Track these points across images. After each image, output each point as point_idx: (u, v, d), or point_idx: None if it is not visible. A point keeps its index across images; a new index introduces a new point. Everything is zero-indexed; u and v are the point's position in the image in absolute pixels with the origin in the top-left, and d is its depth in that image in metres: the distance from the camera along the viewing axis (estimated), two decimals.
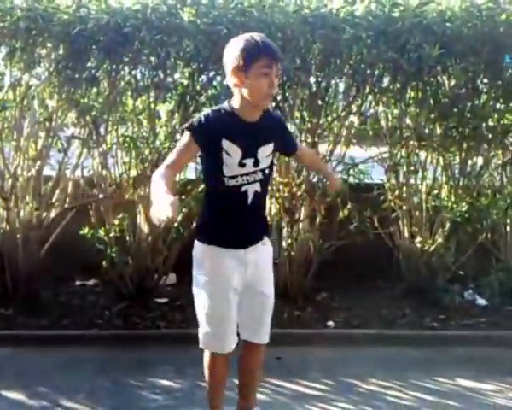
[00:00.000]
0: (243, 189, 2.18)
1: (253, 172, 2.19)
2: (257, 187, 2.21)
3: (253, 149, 2.18)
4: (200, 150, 2.18)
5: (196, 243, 2.28)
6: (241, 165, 2.17)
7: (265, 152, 2.22)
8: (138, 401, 2.79)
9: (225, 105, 2.21)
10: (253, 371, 2.44)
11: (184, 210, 3.70)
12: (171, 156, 2.21)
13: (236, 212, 2.21)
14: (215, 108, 2.26)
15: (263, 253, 2.32)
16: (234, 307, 2.26)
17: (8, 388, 2.83)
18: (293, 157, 2.70)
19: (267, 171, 2.24)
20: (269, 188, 2.50)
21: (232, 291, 2.24)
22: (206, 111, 2.23)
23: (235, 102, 2.18)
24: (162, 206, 1.92)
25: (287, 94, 3.58)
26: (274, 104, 3.56)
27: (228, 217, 2.21)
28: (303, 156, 2.59)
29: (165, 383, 2.95)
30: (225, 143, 2.13)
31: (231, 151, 2.15)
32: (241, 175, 2.17)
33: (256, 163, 2.19)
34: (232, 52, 2.13)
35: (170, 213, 1.89)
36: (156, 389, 2.89)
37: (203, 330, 2.31)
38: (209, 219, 2.28)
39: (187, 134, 2.16)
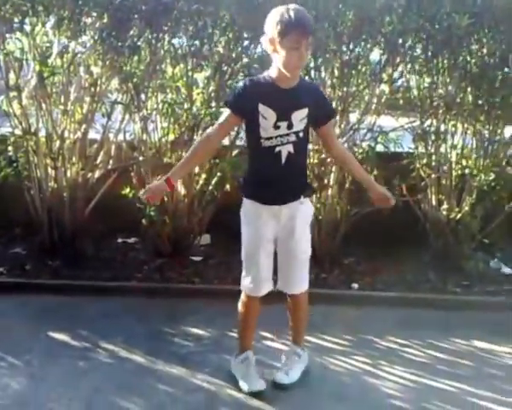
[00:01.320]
0: (277, 149, 2.43)
1: (287, 134, 2.42)
2: (290, 148, 2.43)
3: (287, 113, 2.41)
4: (240, 118, 2.47)
5: (243, 198, 2.58)
6: (276, 127, 2.40)
7: (299, 116, 2.42)
8: (171, 346, 3.04)
9: (264, 73, 2.48)
10: (294, 315, 2.75)
11: (218, 174, 3.89)
12: (215, 126, 2.59)
13: (272, 171, 2.46)
14: (254, 77, 2.54)
15: (298, 210, 2.54)
16: (267, 255, 2.55)
17: (53, 330, 3.12)
18: (320, 136, 2.65)
19: (301, 134, 2.44)
20: (306, 152, 2.59)
21: (265, 240, 2.53)
22: (245, 80, 2.51)
23: (272, 70, 2.43)
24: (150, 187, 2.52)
25: (318, 62, 3.68)
26: (305, 72, 3.68)
27: (264, 175, 2.48)
28: (329, 139, 2.60)
29: (196, 331, 3.18)
30: (261, 108, 2.39)
31: (267, 115, 2.40)
32: (276, 137, 2.42)
33: (290, 126, 2.42)
34: (269, 23, 2.37)
35: (143, 195, 2.49)
36: (188, 337, 3.13)
37: (243, 273, 2.61)
38: (249, 177, 2.59)
39: (226, 109, 2.49)
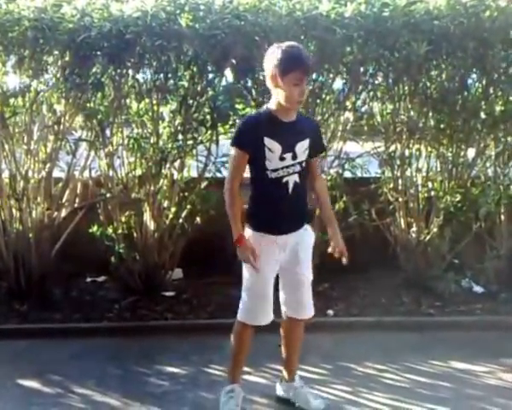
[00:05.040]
0: (284, 180, 2.51)
1: (292, 165, 2.52)
2: (296, 178, 2.52)
3: (292, 145, 2.50)
4: (248, 153, 2.51)
5: (246, 229, 2.59)
6: (282, 159, 2.50)
7: (302, 147, 2.53)
8: (145, 386, 2.96)
9: (264, 108, 2.58)
10: (292, 344, 2.75)
11: (188, 207, 3.86)
12: (231, 170, 2.58)
13: (279, 201, 2.53)
14: (253, 113, 2.67)
15: (303, 237, 2.61)
16: (271, 287, 2.59)
17: (23, 376, 3.01)
18: (309, 166, 2.62)
19: (304, 164, 2.55)
20: (306, 180, 2.62)
21: (272, 272, 2.58)
22: (245, 118, 2.61)
23: (273, 104, 2.51)
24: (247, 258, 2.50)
25: None
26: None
27: (272, 206, 2.54)
28: (315, 171, 2.64)
29: (171, 369, 3.11)
30: (267, 141, 2.48)
31: (273, 147, 2.48)
32: (282, 168, 2.50)
33: (294, 157, 2.51)
34: (271, 60, 2.46)
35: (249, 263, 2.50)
36: (162, 376, 3.05)
37: (243, 303, 2.61)
38: (255, 209, 2.59)
39: (234, 148, 2.54)
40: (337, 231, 2.66)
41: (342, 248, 2.63)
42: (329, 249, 2.64)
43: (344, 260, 2.63)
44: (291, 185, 2.51)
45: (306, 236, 2.63)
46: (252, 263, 2.50)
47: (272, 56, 2.45)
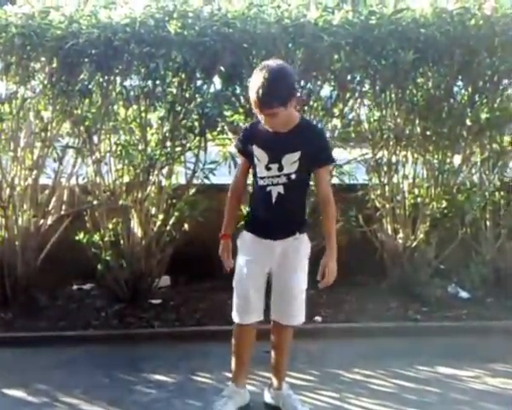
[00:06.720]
0: (268, 189, 2.57)
1: (278, 176, 2.55)
2: (280, 189, 2.55)
3: (278, 156, 2.53)
4: (245, 157, 2.65)
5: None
6: (268, 168, 2.55)
7: (290, 159, 2.53)
8: (133, 394, 2.93)
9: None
10: (279, 348, 2.77)
11: (176, 214, 3.85)
12: (237, 170, 2.82)
13: (264, 208, 2.62)
14: (254, 121, 2.69)
15: (291, 246, 2.61)
16: (258, 287, 2.63)
17: (8, 386, 2.97)
18: (314, 176, 2.66)
19: (293, 176, 2.54)
20: (301, 192, 2.64)
21: (257, 272, 2.62)
22: (245, 125, 2.73)
23: None
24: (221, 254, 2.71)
25: None
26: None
27: (258, 211, 2.66)
28: (317, 182, 2.63)
29: (159, 377, 3.09)
30: (255, 149, 2.57)
31: (260, 156, 2.56)
32: (268, 177, 2.56)
33: (280, 168, 2.54)
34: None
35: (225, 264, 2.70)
36: (150, 384, 3.03)
37: (234, 301, 2.69)
38: (249, 211, 2.79)
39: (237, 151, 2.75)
40: (330, 250, 2.58)
41: (328, 276, 2.61)
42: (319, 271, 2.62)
43: (319, 284, 2.64)
44: (274, 196, 2.55)
45: (297, 244, 2.63)
46: (223, 260, 2.70)
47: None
